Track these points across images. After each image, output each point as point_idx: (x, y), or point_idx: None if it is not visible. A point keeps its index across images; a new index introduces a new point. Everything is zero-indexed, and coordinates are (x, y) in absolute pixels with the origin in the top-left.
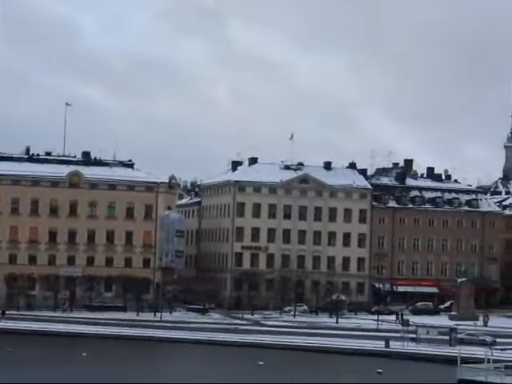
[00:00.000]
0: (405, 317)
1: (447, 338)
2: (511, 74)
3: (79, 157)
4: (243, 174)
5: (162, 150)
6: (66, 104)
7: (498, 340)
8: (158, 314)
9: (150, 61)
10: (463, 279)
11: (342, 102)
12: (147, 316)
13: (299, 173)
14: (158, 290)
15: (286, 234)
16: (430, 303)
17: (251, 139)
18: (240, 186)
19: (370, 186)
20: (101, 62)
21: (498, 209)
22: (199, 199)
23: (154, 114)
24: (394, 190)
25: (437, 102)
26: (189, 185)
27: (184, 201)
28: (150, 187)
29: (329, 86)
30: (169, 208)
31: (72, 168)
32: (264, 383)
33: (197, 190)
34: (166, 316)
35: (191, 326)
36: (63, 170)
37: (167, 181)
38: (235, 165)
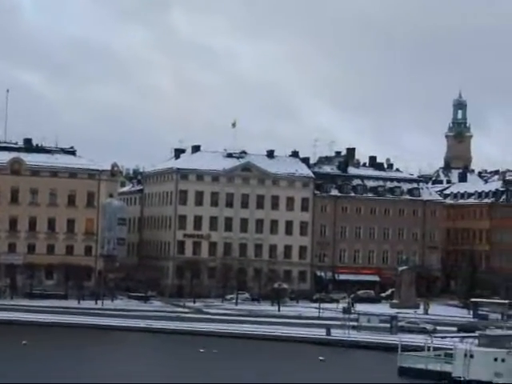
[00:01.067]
0: (347, 305)
1: (388, 325)
2: (453, 64)
3: (21, 144)
4: (186, 162)
5: (104, 138)
6: (7, 91)
7: (438, 328)
8: (100, 302)
9: (90, 46)
10: (404, 267)
11: (285, 90)
12: (89, 304)
13: (242, 161)
14: (99, 277)
15: (229, 222)
16: (372, 291)
17: (194, 127)
18: (182, 174)
19: (312, 175)
20: (40, 48)
21: (439, 198)
22: (141, 187)
23: (96, 100)
24: (336, 178)
25: (379, 91)
26: (131, 172)
27: (126, 188)
28: (92, 175)
29: (271, 74)
30: (111, 196)
31: (13, 155)
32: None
33: (139, 177)
34: (108, 304)
35: (133, 313)
36: (4, 157)
37: (109, 168)
38: (178, 153)
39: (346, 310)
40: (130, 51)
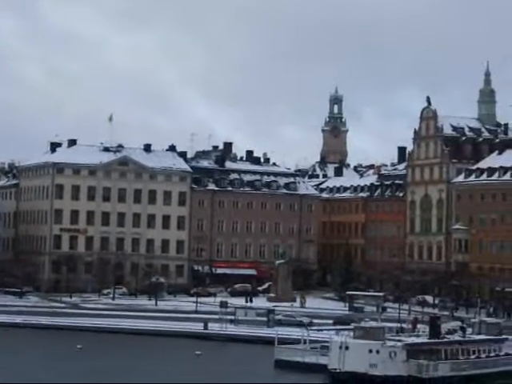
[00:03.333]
0: (224, 299)
1: (265, 319)
2: (330, 59)
3: None
4: (62, 156)
5: None
6: None
7: (314, 321)
8: None
9: None
10: (281, 261)
11: (161, 82)
12: None
13: (119, 155)
14: None
15: (106, 217)
16: (249, 285)
17: (69, 120)
18: (59, 168)
19: (189, 169)
20: None
21: (315, 192)
22: (17, 181)
23: None
24: (213, 172)
25: (256, 84)
26: (6, 166)
27: (1, 183)
28: None
29: (146, 65)
30: None
31: None
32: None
33: (14, 171)
34: None
35: (8, 309)
36: None
37: None
38: (54, 146)
39: (222, 304)
40: None
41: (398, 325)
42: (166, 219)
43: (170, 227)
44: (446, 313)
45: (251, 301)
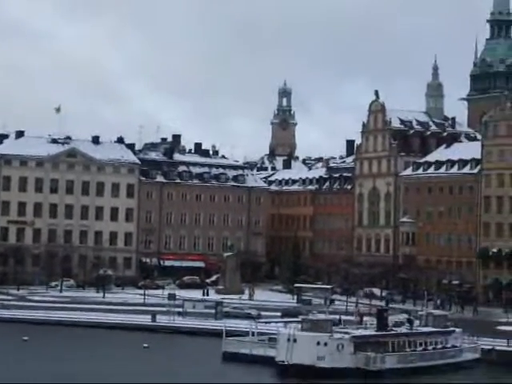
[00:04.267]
0: (173, 291)
1: (213, 311)
2: (278, 51)
3: None
4: (9, 148)
5: None
6: None
7: (262, 313)
8: None
9: None
10: (229, 253)
11: (109, 74)
12: None
13: (67, 147)
14: None
15: (53, 209)
16: (197, 277)
17: (17, 111)
18: (6, 160)
19: (138, 161)
20: None
21: (264, 184)
22: None
23: None
24: (161, 165)
25: (204, 76)
26: None
27: None
28: None
29: (93, 56)
30: None
31: None
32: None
33: None
34: None
35: None
36: None
37: None
38: (1, 138)
39: (170, 297)
40: None
41: (337, 317)
42: (114, 211)
43: (118, 219)
44: (394, 305)
45: (208, 294)
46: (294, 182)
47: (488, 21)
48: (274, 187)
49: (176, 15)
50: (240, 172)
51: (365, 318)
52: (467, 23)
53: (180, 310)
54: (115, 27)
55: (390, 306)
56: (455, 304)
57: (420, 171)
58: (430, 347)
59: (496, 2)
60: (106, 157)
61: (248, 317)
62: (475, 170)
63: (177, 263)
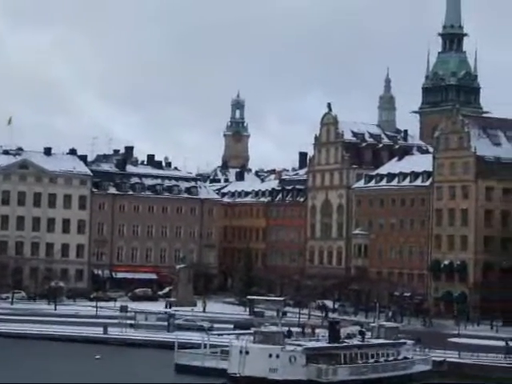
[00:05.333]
0: (125, 303)
1: (165, 323)
2: (233, 63)
3: None
4: None
5: None
6: None
7: (214, 325)
8: None
9: None
10: (182, 265)
11: (60, 84)
12: None
13: (18, 158)
14: None
15: (5, 220)
16: (149, 289)
17: None
18: None
19: (90, 173)
20: None
21: (216, 196)
22: None
23: None
24: (114, 176)
25: (157, 88)
26: None
27: None
28: None
29: (44, 66)
30: None
31: None
32: None
33: None
34: None
35: None
36: None
37: None
38: None
39: (122, 309)
40: None
41: (287, 329)
42: (66, 223)
43: (70, 231)
44: (346, 317)
45: (170, 307)
46: (247, 193)
47: (440, 34)
48: (226, 199)
49: (126, 24)
50: (193, 184)
51: (317, 330)
52: (419, 36)
53: (132, 322)
54: (66, 37)
55: (341, 317)
56: (408, 316)
57: (372, 183)
58: (381, 359)
59: (448, 15)
60: (58, 168)
61: (200, 329)
62: (427, 183)
63: (129, 275)
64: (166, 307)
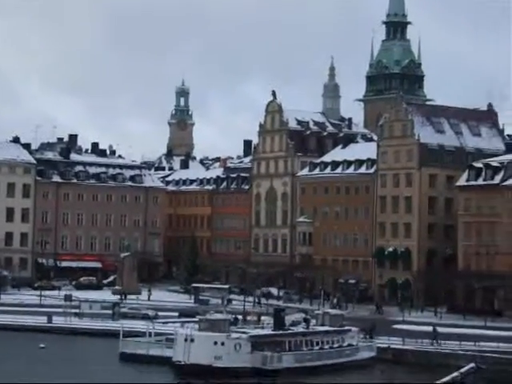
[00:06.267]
0: (69, 292)
1: (110, 312)
2: (178, 51)
3: None
4: None
5: None
6: None
7: (159, 313)
8: None
9: None
10: (126, 254)
11: (3, 72)
12: None
13: None
14: None
15: None
16: (94, 278)
17: None
18: None
19: (34, 161)
20: None
21: (161, 184)
22: None
23: None
24: (58, 165)
25: (102, 76)
26: None
27: None
28: None
29: None
30: None
31: None
32: None
33: None
34: None
35: None
36: None
37: None
38: None
39: (67, 298)
40: None
41: (233, 316)
42: (10, 211)
43: (14, 220)
44: (291, 305)
45: (125, 297)
46: (192, 181)
47: (384, 22)
48: (171, 187)
49: (74, 13)
50: (137, 172)
51: (262, 318)
52: (364, 25)
53: (77, 310)
54: (9, 24)
55: (287, 305)
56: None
57: (317, 171)
58: (326, 346)
59: (392, 4)
60: (2, 156)
61: (145, 317)
62: (371, 171)
63: (73, 264)
64: (121, 299)
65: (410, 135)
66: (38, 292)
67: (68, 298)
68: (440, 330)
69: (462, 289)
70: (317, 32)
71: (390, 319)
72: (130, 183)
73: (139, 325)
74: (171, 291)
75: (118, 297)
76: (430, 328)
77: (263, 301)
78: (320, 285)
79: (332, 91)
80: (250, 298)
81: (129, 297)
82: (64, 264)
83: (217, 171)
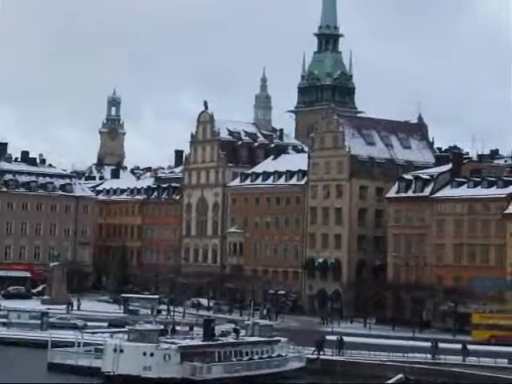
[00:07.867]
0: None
1: (39, 322)
2: (110, 60)
3: None
4: None
5: None
6: None
7: (89, 323)
8: None
9: None
10: (56, 263)
11: None
12: None
13: None
14: None
15: None
16: (23, 287)
17: None
18: None
19: None
20: None
21: (91, 194)
22: None
23: None
24: None
25: (32, 84)
26: None
27: None
28: None
29: None
30: None
31: None
32: None
33: None
34: None
35: None
36: None
37: None
38: None
39: None
40: None
41: (162, 327)
42: None
43: None
44: (221, 315)
45: (72, 307)
46: (123, 191)
47: (316, 34)
48: (101, 197)
49: (7, 21)
50: (67, 181)
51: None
52: (296, 36)
53: (5, 320)
54: None
55: (217, 316)
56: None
57: (248, 182)
58: (255, 356)
59: (324, 16)
60: None
61: (74, 327)
62: (302, 182)
63: (2, 273)
64: (68, 309)
65: (341, 147)
66: None
67: None
68: (369, 340)
69: (391, 300)
70: (250, 42)
71: (318, 330)
72: (60, 192)
73: (68, 335)
74: (101, 301)
75: (64, 306)
76: (364, 339)
77: (193, 311)
78: (250, 295)
79: (264, 102)
80: (180, 309)
81: (58, 306)
82: None
83: (147, 181)
